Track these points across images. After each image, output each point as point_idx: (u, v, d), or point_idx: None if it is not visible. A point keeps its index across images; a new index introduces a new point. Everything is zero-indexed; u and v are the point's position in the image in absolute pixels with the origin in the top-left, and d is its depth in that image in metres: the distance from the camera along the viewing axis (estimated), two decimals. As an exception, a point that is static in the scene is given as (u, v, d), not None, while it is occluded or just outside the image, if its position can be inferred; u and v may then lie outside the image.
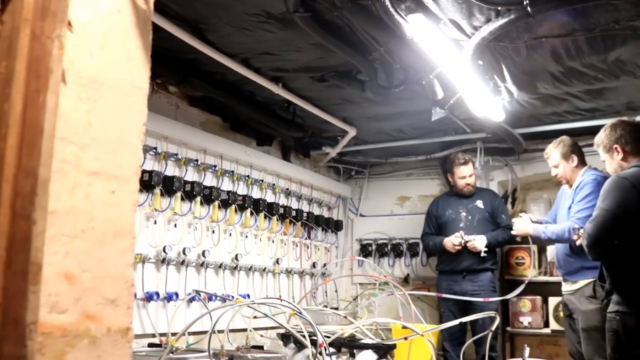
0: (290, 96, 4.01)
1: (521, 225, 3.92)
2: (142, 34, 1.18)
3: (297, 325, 2.64)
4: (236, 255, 4.25)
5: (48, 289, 0.99)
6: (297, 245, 5.05)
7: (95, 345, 1.06)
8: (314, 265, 5.22)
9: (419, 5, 2.69)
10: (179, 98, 4.00)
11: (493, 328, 3.10)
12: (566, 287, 3.77)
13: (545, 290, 4.68)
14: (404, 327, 2.95)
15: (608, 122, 4.41)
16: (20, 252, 0.94)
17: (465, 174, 4.67)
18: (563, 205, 3.88)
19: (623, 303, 2.86)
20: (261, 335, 3.95)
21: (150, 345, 3.18)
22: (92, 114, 1.09)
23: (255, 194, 4.53)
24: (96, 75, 1.11)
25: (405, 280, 5.45)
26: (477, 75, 3.36)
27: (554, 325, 4.63)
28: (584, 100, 4.08)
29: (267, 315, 2.72)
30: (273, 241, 4.72)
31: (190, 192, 3.84)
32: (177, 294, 3.72)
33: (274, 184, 4.76)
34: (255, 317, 3.14)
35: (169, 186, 3.68)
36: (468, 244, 4.49)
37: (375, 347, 2.73)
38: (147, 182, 3.50)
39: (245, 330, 3.41)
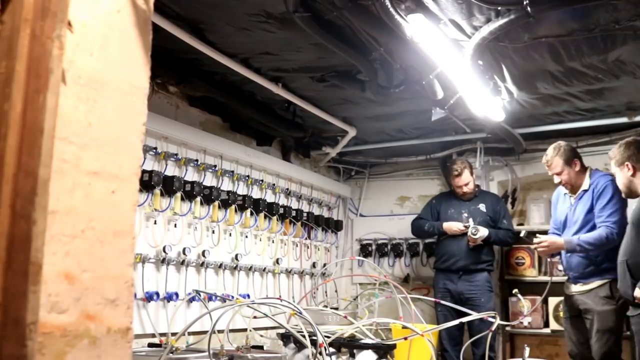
0: (290, 96, 4.01)
1: (552, 239, 3.77)
2: (142, 34, 1.18)
3: (297, 325, 2.64)
4: (236, 255, 4.25)
5: (48, 289, 0.99)
6: (297, 245, 5.05)
7: (95, 345, 1.06)
8: (314, 265, 5.22)
9: (419, 5, 2.69)
10: (179, 98, 4.00)
11: (493, 328, 3.10)
12: (576, 288, 3.73)
13: (545, 290, 4.67)
14: (404, 327, 2.95)
15: (609, 122, 4.45)
16: (20, 252, 0.94)
17: (460, 184, 4.69)
18: (562, 211, 3.86)
19: None
20: (261, 335, 3.95)
21: (150, 345, 3.18)
22: (92, 114, 1.09)
23: (255, 194, 4.53)
24: (96, 75, 1.11)
25: (405, 280, 5.45)
26: (477, 75, 3.36)
27: (554, 325, 4.62)
28: (584, 100, 4.08)
29: (267, 315, 2.72)
30: (273, 241, 4.72)
31: (190, 192, 3.84)
32: (177, 294, 3.72)
33: (274, 184, 4.76)
34: (255, 317, 3.14)
35: (169, 186, 3.68)
36: (471, 238, 4.49)
37: (375, 347, 2.74)
38: (147, 182, 3.50)
39: (245, 330, 3.41)
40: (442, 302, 3.94)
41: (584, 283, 3.66)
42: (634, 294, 3.02)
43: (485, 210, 4.69)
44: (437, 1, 2.71)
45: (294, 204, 5.01)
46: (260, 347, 3.20)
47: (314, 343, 2.37)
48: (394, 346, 2.81)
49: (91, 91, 1.09)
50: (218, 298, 3.84)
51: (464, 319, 3.09)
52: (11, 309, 0.92)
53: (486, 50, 3.18)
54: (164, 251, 3.64)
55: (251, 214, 4.43)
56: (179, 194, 3.78)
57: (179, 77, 3.66)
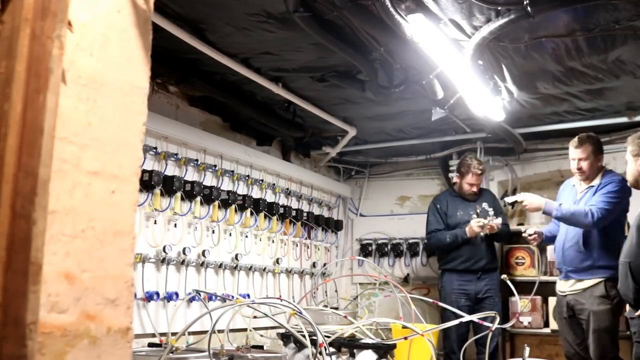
0: (290, 96, 4.01)
1: (531, 197, 3.77)
2: (142, 34, 1.18)
3: (297, 325, 2.64)
4: (236, 255, 4.25)
5: (48, 289, 0.99)
6: (297, 245, 5.05)
7: (96, 345, 1.06)
8: (314, 265, 5.22)
9: (419, 5, 2.69)
10: (179, 98, 4.01)
11: (493, 328, 3.10)
12: (569, 286, 3.70)
13: (545, 290, 4.67)
14: (404, 327, 2.95)
15: (609, 122, 4.45)
16: (20, 252, 0.94)
17: (476, 183, 4.64)
18: (566, 202, 3.82)
19: None
20: (261, 335, 3.95)
21: (150, 345, 3.18)
22: (92, 113, 1.09)
23: (255, 193, 4.53)
24: (96, 75, 1.11)
25: (405, 280, 5.45)
26: (477, 75, 3.36)
27: (554, 325, 4.62)
28: (584, 100, 4.08)
29: (267, 315, 2.72)
30: (273, 241, 4.72)
31: (190, 192, 3.84)
32: (177, 294, 3.72)
33: (274, 184, 4.76)
34: (255, 317, 3.14)
35: (169, 186, 3.68)
36: (491, 223, 4.44)
37: (375, 347, 2.73)
38: (147, 182, 3.50)
39: (245, 330, 3.41)
40: (440, 304, 3.91)
41: (578, 279, 3.63)
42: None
43: (489, 209, 4.68)
44: (437, 1, 2.71)
45: (294, 204, 5.01)
46: (260, 347, 3.20)
47: (314, 343, 2.37)
48: (394, 346, 2.81)
49: (91, 91, 1.09)
50: (218, 298, 3.84)
51: (465, 319, 3.09)
52: (11, 309, 0.92)
53: (486, 50, 3.18)
54: (164, 251, 3.64)
55: (251, 213, 4.43)
56: (179, 194, 3.78)
57: (179, 77, 3.66)
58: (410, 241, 5.50)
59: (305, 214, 5.05)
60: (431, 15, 2.77)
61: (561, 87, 3.81)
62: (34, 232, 0.94)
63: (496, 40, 3.01)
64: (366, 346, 2.74)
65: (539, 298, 4.72)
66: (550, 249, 4.63)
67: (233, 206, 4.23)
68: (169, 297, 3.67)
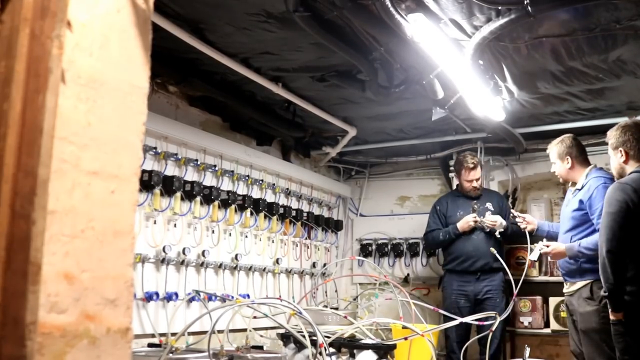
0: (290, 96, 4.01)
1: (554, 246, 3.72)
2: (142, 34, 1.18)
3: (297, 325, 2.64)
4: (236, 255, 4.25)
5: (47, 289, 0.99)
6: (297, 245, 5.05)
7: (95, 346, 1.05)
8: (314, 265, 5.22)
9: (419, 4, 2.69)
10: (178, 98, 4.00)
11: (493, 328, 3.10)
12: (566, 288, 3.75)
13: (545, 290, 4.68)
14: (404, 327, 2.95)
15: (609, 122, 4.44)
16: (20, 252, 0.94)
17: (473, 178, 4.63)
18: (565, 206, 3.85)
19: None
20: (261, 335, 3.95)
21: (150, 345, 3.18)
22: (92, 113, 1.09)
23: (255, 193, 4.53)
24: (96, 75, 1.11)
25: (405, 281, 5.45)
26: (478, 75, 3.36)
27: (554, 325, 4.62)
28: (584, 100, 4.07)
29: (267, 315, 2.72)
30: (273, 241, 4.72)
31: (190, 192, 3.84)
32: (176, 294, 3.71)
33: (274, 184, 4.75)
34: (255, 317, 3.14)
35: (168, 186, 3.67)
36: (487, 220, 4.45)
37: (375, 347, 2.73)
38: (147, 182, 3.50)
39: (245, 330, 3.41)
40: (440, 310, 3.90)
41: (571, 283, 3.67)
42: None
43: (493, 209, 4.67)
44: (438, 1, 2.71)
45: (294, 204, 5.00)
46: (260, 347, 3.20)
47: (314, 343, 2.37)
48: (394, 346, 2.81)
49: (91, 91, 1.09)
50: (218, 298, 3.84)
51: (465, 319, 3.09)
52: (10, 309, 0.92)
53: (487, 50, 3.18)
54: (164, 251, 3.64)
55: (251, 213, 4.43)
56: (178, 194, 3.78)
57: (179, 76, 3.66)
58: (411, 241, 5.50)
59: (305, 214, 5.05)
60: (431, 15, 2.77)
61: (562, 87, 3.81)
62: (34, 232, 0.94)
63: (496, 40, 3.01)
64: (366, 346, 2.74)
65: (539, 298, 4.72)
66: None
67: (233, 206, 4.23)
68: (169, 297, 3.67)
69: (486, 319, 3.08)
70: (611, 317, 3.01)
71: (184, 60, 3.51)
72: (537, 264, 4.82)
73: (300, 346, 2.75)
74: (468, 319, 3.14)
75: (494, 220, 4.45)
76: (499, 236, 4.49)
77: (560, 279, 4.02)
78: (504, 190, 5.20)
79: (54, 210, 1.00)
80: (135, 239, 1.22)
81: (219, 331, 2.87)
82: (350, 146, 5.25)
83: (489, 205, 4.69)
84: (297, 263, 5.04)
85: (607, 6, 2.69)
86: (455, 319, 3.05)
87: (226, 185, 4.26)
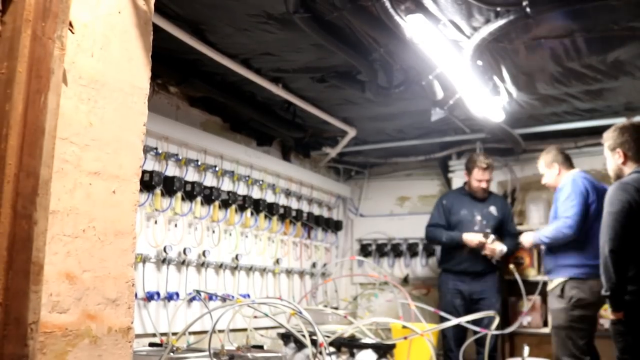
0: (290, 96, 4.02)
1: (525, 237, 4.12)
2: (142, 35, 1.19)
3: (297, 325, 2.65)
4: (236, 255, 4.25)
5: (49, 289, 1.00)
6: (297, 245, 5.05)
7: (97, 345, 1.06)
8: (314, 265, 5.22)
9: (418, 6, 2.70)
10: (179, 98, 4.01)
11: (493, 328, 3.11)
12: (548, 286, 3.88)
13: (544, 289, 4.68)
14: (404, 327, 2.96)
15: (607, 122, 4.45)
16: (22, 252, 0.95)
17: (483, 178, 4.63)
18: (551, 211, 4.00)
19: None
20: (261, 335, 3.96)
21: (151, 344, 3.19)
22: (93, 114, 1.10)
23: (256, 194, 4.53)
24: (97, 75, 1.12)
25: (405, 281, 5.46)
26: (477, 75, 3.37)
27: (553, 325, 4.63)
28: (583, 100, 4.08)
29: (267, 315, 2.73)
30: (273, 241, 4.72)
31: (191, 192, 3.85)
32: (177, 294, 3.72)
33: (274, 184, 4.76)
34: (255, 317, 3.15)
35: (169, 186, 3.68)
36: (489, 247, 4.48)
37: (375, 347, 2.74)
38: (148, 182, 3.50)
39: (245, 330, 3.42)
40: (440, 312, 3.91)
41: (551, 280, 3.80)
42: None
43: (496, 214, 4.67)
44: (437, 2, 2.71)
45: (294, 204, 5.01)
46: (261, 347, 3.21)
47: (314, 343, 2.38)
48: (393, 346, 2.82)
49: (92, 92, 1.10)
50: (218, 298, 3.85)
51: (464, 319, 3.10)
52: (12, 309, 0.93)
53: (485, 51, 3.19)
54: (165, 251, 3.64)
55: (251, 214, 4.44)
56: (179, 194, 3.78)
57: (180, 77, 3.66)
58: (410, 241, 5.50)
59: (305, 214, 5.05)
60: (431, 16, 2.77)
61: (560, 88, 3.82)
62: (35, 232, 0.95)
63: (495, 41, 3.01)
64: (366, 346, 2.75)
65: (538, 298, 4.72)
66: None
67: (233, 206, 4.23)
68: (170, 297, 3.68)
69: (487, 325, 3.08)
70: (611, 316, 3.03)
71: (184, 61, 3.52)
72: (537, 263, 4.83)
73: (300, 346, 2.76)
74: (467, 318, 3.15)
75: (493, 249, 4.48)
76: (495, 263, 4.55)
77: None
78: (503, 190, 5.20)
79: (56, 210, 1.01)
80: (136, 239, 1.23)
81: (219, 331, 2.88)
82: (350, 146, 5.26)
83: (492, 209, 4.69)
84: (297, 263, 5.04)
85: (605, 8, 2.70)
86: (454, 320, 3.05)
87: (227, 185, 4.27)
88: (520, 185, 5.17)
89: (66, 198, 1.04)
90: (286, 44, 3.28)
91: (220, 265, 4.12)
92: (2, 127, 0.98)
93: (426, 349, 2.89)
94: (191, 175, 3.95)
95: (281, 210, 4.71)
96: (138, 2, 1.21)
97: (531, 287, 4.64)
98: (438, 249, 5.12)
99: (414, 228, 5.40)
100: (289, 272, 4.89)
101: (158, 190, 3.61)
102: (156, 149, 3.66)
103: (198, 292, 3.67)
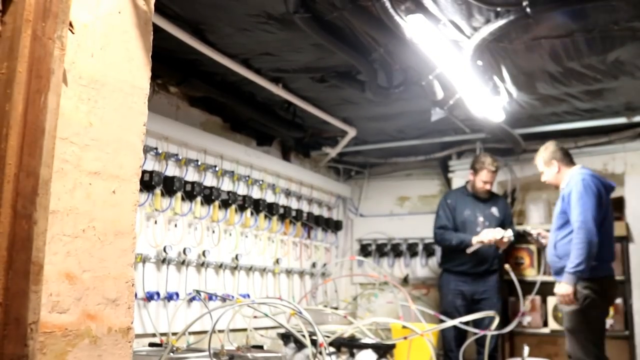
0: (290, 96, 4.02)
1: (561, 288, 3.63)
2: (142, 35, 1.19)
3: (297, 325, 2.65)
4: (236, 255, 4.25)
5: (49, 289, 1.00)
6: (297, 245, 5.05)
7: (96, 345, 1.06)
8: (314, 265, 5.22)
9: (418, 6, 2.70)
10: (179, 98, 4.01)
11: (493, 328, 3.11)
12: (555, 288, 3.78)
13: (544, 290, 4.68)
14: (404, 327, 2.96)
15: (607, 122, 4.46)
16: (22, 252, 0.95)
17: (489, 180, 4.63)
18: (555, 206, 3.91)
19: None
20: (261, 335, 3.96)
21: (151, 344, 3.19)
22: (93, 114, 1.10)
23: (256, 194, 4.53)
24: (97, 75, 1.12)
25: (405, 281, 5.46)
26: (477, 75, 3.37)
27: (553, 325, 4.64)
28: (583, 100, 4.08)
29: (267, 315, 2.73)
30: (273, 241, 4.72)
31: (191, 192, 3.85)
32: (177, 294, 3.72)
33: (274, 184, 4.76)
34: (255, 317, 3.15)
35: (169, 186, 3.68)
36: (504, 239, 4.46)
37: (375, 347, 2.74)
38: (148, 182, 3.50)
39: (245, 330, 3.42)
40: (440, 316, 3.90)
41: (558, 281, 3.70)
42: None
43: (497, 215, 4.67)
44: (437, 2, 2.71)
45: (294, 204, 5.01)
46: (261, 347, 3.21)
47: (314, 343, 2.38)
48: (393, 346, 2.82)
49: (92, 92, 1.09)
50: (218, 298, 3.85)
51: (464, 319, 3.10)
52: (12, 309, 0.93)
53: (485, 51, 3.19)
54: (165, 251, 3.64)
55: (251, 214, 4.44)
56: (179, 194, 3.79)
57: (180, 77, 3.67)
58: (410, 241, 5.50)
59: (305, 214, 5.06)
60: (431, 16, 2.77)
61: (560, 88, 3.82)
62: (35, 232, 0.95)
63: (495, 41, 3.01)
64: (366, 346, 2.75)
65: (538, 298, 4.72)
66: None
67: (233, 206, 4.23)
68: (170, 297, 3.68)
69: (488, 325, 3.09)
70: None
71: (184, 61, 3.52)
72: (537, 263, 4.84)
73: (300, 346, 2.76)
74: (467, 318, 3.15)
75: (507, 241, 4.45)
76: (500, 252, 4.56)
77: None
78: (503, 190, 5.21)
79: (56, 210, 1.01)
80: (136, 239, 1.23)
81: (219, 331, 2.88)
82: (350, 146, 5.26)
83: (494, 210, 4.69)
84: (297, 263, 5.04)
85: (605, 8, 2.70)
86: (454, 321, 3.05)
87: (226, 185, 4.27)
88: (520, 185, 5.17)
89: (66, 198, 1.04)
90: (286, 44, 3.28)
91: (220, 265, 4.13)
92: (2, 127, 0.98)
93: (426, 349, 2.89)
94: (191, 175, 3.95)
95: (281, 210, 4.71)
96: (138, 2, 1.21)
97: (531, 287, 4.65)
98: (438, 249, 5.12)
99: (413, 228, 5.40)
100: (288, 272, 4.89)
101: (158, 190, 3.61)
102: (156, 149, 3.66)
103: (198, 292, 3.67)
